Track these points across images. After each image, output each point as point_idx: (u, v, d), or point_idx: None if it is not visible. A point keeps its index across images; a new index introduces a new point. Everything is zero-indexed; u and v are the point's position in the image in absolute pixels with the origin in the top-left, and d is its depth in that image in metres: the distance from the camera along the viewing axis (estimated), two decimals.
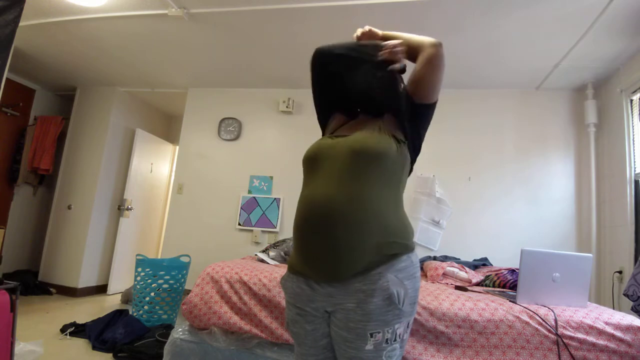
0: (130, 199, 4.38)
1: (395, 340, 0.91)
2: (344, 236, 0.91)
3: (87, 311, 3.40)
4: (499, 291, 2.01)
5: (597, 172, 3.09)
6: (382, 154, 0.98)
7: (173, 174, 4.91)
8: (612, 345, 1.44)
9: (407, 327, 0.94)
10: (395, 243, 0.94)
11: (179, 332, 1.86)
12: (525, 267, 1.66)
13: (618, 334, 1.45)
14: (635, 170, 2.70)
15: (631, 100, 2.77)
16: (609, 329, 1.46)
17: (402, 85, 1.09)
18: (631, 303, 2.05)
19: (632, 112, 2.77)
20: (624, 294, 2.10)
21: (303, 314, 1.00)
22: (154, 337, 2.54)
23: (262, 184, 3.82)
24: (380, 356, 0.89)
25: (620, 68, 2.88)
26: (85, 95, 4.39)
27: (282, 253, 2.55)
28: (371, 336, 0.89)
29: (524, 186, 3.28)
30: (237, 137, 3.98)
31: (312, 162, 1.06)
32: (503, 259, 3.03)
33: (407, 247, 0.97)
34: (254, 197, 3.80)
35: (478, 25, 2.53)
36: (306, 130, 3.66)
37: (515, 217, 3.25)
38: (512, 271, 2.29)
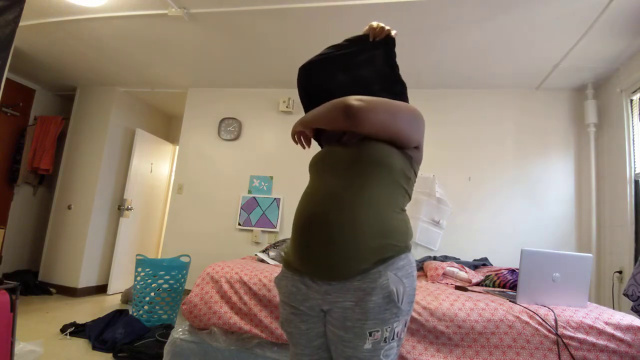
0: (130, 199, 4.38)
1: (393, 338, 0.90)
2: (345, 236, 0.91)
3: (87, 311, 3.40)
4: (499, 291, 2.01)
5: (597, 172, 3.08)
6: (390, 164, 0.99)
7: (173, 174, 4.91)
8: (612, 345, 1.44)
9: (405, 325, 0.94)
10: (397, 246, 0.95)
11: (179, 332, 1.86)
12: (525, 267, 1.66)
13: (618, 334, 1.45)
14: (635, 170, 2.70)
15: (631, 100, 2.77)
16: (609, 329, 1.46)
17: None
18: (631, 303, 2.05)
19: (632, 112, 2.76)
20: (624, 294, 2.10)
21: (297, 313, 1.00)
22: (154, 337, 2.54)
23: (262, 184, 3.82)
24: (378, 355, 0.89)
25: (620, 68, 2.88)
26: (85, 95, 4.39)
27: (282, 253, 2.55)
28: (370, 335, 0.88)
29: (524, 186, 3.28)
30: (237, 137, 3.98)
31: (318, 165, 1.08)
32: (503, 259, 3.02)
33: (406, 248, 0.98)
34: (254, 197, 3.79)
35: (478, 25, 2.53)
36: None
37: (515, 217, 3.24)
38: (512, 271, 2.29)
